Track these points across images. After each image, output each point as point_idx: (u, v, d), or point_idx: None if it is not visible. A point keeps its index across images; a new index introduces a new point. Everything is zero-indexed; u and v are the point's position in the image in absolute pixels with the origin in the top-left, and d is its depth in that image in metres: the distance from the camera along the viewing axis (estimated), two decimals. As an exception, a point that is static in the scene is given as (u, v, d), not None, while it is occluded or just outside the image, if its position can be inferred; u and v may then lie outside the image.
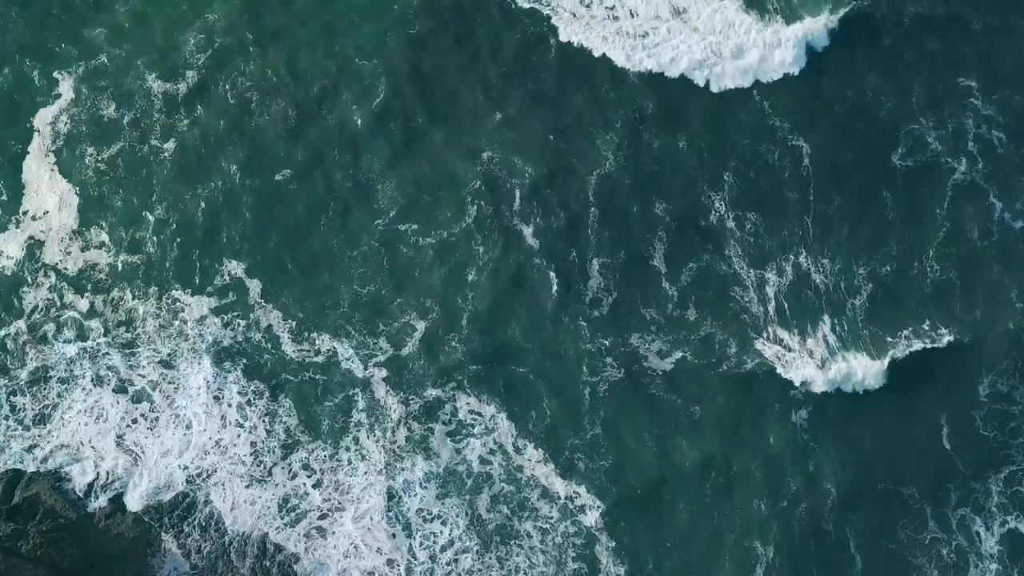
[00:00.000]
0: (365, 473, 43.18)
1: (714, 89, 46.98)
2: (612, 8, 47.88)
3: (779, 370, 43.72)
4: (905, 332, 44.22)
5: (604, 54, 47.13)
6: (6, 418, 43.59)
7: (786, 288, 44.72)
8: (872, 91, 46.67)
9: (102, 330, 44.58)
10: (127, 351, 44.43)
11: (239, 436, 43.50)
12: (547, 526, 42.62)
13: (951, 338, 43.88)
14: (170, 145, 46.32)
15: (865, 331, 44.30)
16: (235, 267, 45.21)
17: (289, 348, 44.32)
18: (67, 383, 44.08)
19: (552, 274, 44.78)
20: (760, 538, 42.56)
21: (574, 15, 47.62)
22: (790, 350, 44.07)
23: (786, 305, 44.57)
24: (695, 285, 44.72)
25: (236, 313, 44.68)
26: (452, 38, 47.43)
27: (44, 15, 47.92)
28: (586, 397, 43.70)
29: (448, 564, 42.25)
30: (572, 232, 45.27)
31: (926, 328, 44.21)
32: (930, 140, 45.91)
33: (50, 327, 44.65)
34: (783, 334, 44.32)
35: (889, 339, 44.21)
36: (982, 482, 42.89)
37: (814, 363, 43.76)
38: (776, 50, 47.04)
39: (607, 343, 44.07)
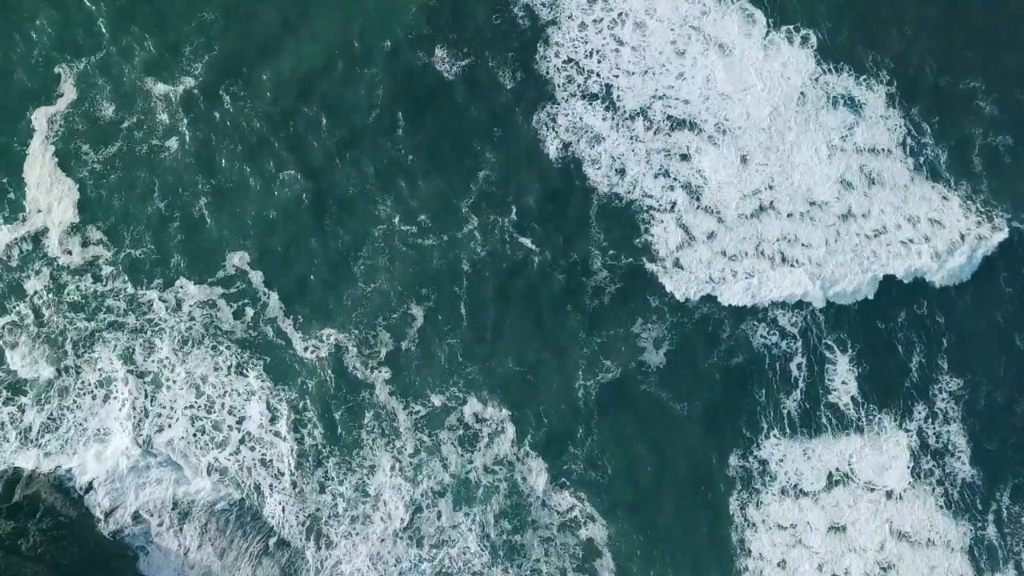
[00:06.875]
0: (372, 478, 43.26)
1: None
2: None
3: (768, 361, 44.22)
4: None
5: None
6: (7, 413, 43.66)
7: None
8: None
9: (106, 322, 44.58)
10: (130, 346, 44.52)
11: (244, 437, 43.61)
12: (549, 534, 42.83)
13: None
14: (170, 143, 46.30)
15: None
16: (239, 260, 45.16)
17: (297, 345, 44.42)
18: (70, 378, 44.13)
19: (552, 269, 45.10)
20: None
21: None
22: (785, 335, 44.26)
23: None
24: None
25: (245, 301, 44.67)
26: (454, 40, 47.56)
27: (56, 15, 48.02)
28: (584, 401, 43.99)
29: (455, 569, 42.62)
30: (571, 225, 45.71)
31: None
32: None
33: (53, 316, 44.62)
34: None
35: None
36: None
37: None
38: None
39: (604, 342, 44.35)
